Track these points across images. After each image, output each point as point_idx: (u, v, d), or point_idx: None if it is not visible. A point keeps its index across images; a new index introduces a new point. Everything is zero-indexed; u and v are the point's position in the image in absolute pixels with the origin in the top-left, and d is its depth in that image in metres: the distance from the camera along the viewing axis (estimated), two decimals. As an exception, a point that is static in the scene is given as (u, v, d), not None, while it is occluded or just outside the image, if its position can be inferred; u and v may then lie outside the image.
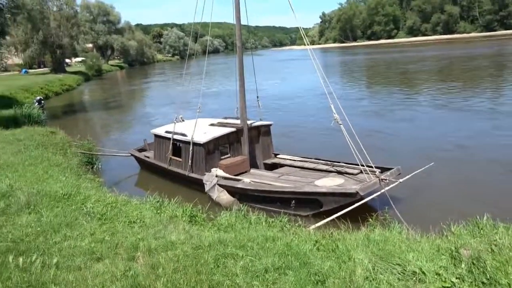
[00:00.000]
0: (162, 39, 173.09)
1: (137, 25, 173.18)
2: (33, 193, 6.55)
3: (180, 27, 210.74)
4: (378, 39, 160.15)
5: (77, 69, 75.99)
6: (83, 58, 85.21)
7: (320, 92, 26.77)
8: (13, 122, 18.60)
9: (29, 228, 5.20)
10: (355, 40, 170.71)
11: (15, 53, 63.44)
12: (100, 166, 14.51)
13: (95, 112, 32.48)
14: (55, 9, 65.87)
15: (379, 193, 8.78)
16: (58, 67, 66.40)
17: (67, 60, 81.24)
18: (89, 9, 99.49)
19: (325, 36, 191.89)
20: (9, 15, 24.00)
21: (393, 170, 9.61)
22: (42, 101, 28.35)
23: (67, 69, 71.81)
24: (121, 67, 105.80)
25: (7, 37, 28.41)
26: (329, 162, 11.12)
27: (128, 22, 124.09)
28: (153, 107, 32.19)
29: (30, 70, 68.59)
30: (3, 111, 21.39)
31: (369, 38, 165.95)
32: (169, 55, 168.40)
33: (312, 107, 24.87)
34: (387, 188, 8.86)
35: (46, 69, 71.51)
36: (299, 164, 11.61)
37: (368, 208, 8.66)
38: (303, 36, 11.07)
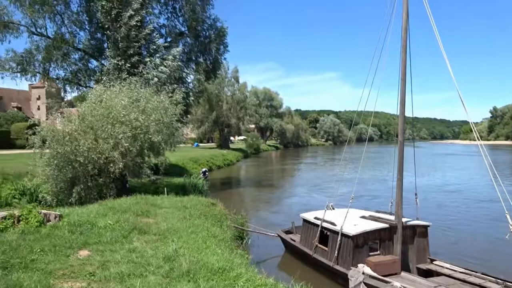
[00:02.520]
0: (317, 124, 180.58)
1: (296, 110, 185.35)
2: (193, 261, 7.12)
3: (336, 114, 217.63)
4: None
5: (239, 146, 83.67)
6: (245, 137, 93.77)
7: (488, 193, 23.93)
8: (182, 190, 21.10)
9: (187, 296, 5.57)
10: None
11: (192, 129, 73.71)
12: (249, 242, 15.11)
13: (248, 187, 34.68)
14: (229, 93, 75.62)
15: None
16: (223, 143, 74.35)
17: (231, 138, 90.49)
18: (256, 95, 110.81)
19: (496, 132, 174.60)
20: (193, 98, 28.03)
21: None
22: (207, 173, 31.72)
23: (231, 145, 79.66)
24: (277, 148, 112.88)
25: (188, 116, 33.12)
26: (500, 281, 9.48)
27: (289, 107, 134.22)
28: (301, 188, 32.91)
29: (200, 144, 78.13)
30: (176, 178, 24.49)
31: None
32: (323, 139, 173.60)
33: (478, 210, 22.19)
34: None
35: (213, 144, 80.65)
36: (460, 276, 10.19)
37: None
38: (473, 131, 10.27)
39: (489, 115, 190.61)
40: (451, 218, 20.25)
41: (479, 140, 10.22)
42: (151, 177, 20.64)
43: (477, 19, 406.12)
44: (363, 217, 12.24)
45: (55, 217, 9.63)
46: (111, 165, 15.20)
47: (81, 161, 14.79)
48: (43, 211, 9.71)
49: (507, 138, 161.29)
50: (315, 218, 12.82)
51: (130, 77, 19.74)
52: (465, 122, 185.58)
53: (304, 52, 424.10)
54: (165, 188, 18.13)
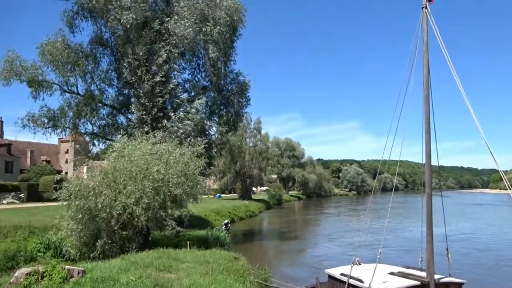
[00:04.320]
0: (340, 174, 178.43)
1: (318, 159, 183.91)
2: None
3: (359, 163, 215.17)
4: None
5: (261, 197, 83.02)
6: (267, 188, 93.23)
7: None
8: (204, 243, 20.82)
9: None
10: None
11: (214, 180, 74.01)
12: (272, 299, 14.58)
13: (271, 239, 34.10)
14: (251, 144, 76.32)
15: None
16: (246, 194, 74.01)
17: (253, 188, 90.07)
18: (278, 145, 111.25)
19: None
20: (216, 150, 28.29)
21: None
22: (229, 225, 31.44)
23: (253, 196, 79.13)
24: (299, 198, 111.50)
25: (211, 167, 33.37)
26: None
27: (311, 157, 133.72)
28: (324, 240, 32.17)
29: (222, 195, 77.94)
30: (198, 231, 24.30)
31: None
32: (346, 189, 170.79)
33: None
34: None
35: (235, 195, 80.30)
36: None
37: None
38: (504, 180, 9.90)
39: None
40: (486, 274, 19.20)
41: (510, 189, 9.85)
42: (174, 229, 20.51)
43: (500, 64, 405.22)
44: (391, 273, 11.69)
45: (78, 273, 9.59)
46: (135, 220, 15.23)
47: (104, 216, 14.90)
48: (66, 266, 9.70)
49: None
50: (341, 274, 12.31)
51: (155, 130, 20.24)
52: (494, 171, 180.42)
53: (325, 102, 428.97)
54: (187, 242, 17.96)
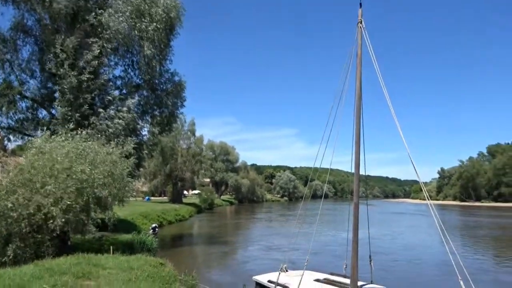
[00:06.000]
0: (273, 180, 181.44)
1: (252, 165, 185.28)
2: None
3: (292, 170, 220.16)
4: (506, 201, 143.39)
5: (192, 200, 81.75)
6: (199, 192, 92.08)
7: (442, 254, 24.33)
8: (129, 248, 19.91)
9: None
10: (478, 199, 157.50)
11: (144, 182, 71.58)
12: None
13: (200, 244, 33.63)
14: (184, 146, 74.95)
15: None
16: (176, 198, 72.47)
17: (185, 192, 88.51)
18: (212, 149, 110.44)
19: (444, 192, 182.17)
20: (147, 151, 27.23)
21: None
22: (157, 229, 30.48)
23: (184, 200, 77.68)
24: (232, 203, 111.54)
25: (141, 169, 32.13)
26: None
27: (245, 162, 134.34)
28: (254, 245, 32.35)
29: (152, 198, 75.62)
30: (123, 235, 23.20)
31: (495, 200, 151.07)
32: (278, 195, 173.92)
33: (433, 271, 22.42)
34: None
35: (165, 198, 78.38)
36: None
37: None
38: (423, 191, 10.44)
39: (437, 175, 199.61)
40: (406, 279, 20.30)
41: (429, 200, 10.39)
42: (95, 234, 19.44)
43: (425, 83, 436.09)
44: (317, 280, 11.85)
45: (-20, 282, 8.59)
46: (51, 221, 14.08)
47: (15, 216, 13.61)
48: (-35, 275, 8.65)
49: (454, 198, 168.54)
50: (269, 281, 12.28)
51: (80, 128, 18.99)
52: (416, 182, 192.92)
53: (262, 108, 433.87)
54: (111, 247, 17.01)
